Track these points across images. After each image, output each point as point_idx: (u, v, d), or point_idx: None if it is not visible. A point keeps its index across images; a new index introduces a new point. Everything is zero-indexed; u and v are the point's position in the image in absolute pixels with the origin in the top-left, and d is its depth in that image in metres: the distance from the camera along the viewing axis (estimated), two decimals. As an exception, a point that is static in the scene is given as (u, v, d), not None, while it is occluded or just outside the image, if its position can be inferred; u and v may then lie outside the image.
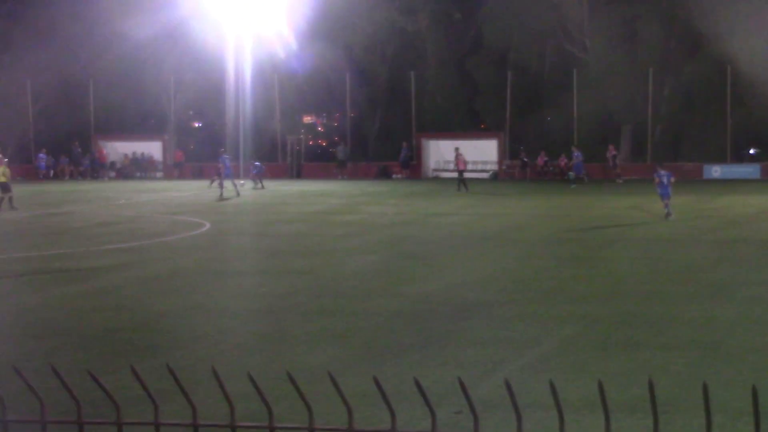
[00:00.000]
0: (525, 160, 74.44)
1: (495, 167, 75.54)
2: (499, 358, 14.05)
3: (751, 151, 77.16)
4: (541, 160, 74.14)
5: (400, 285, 21.61)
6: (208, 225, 36.76)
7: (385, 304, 18.98)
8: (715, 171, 69.62)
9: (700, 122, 74.35)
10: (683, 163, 69.40)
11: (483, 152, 74.63)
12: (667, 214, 37.31)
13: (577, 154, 64.71)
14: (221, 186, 54.64)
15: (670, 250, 27.80)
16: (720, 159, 71.70)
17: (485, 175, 73.82)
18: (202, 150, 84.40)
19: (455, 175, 62.04)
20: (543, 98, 79.44)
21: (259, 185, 63.02)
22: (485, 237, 32.19)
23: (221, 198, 52.53)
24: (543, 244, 29.80)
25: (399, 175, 75.72)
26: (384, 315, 17.85)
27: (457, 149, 61.82)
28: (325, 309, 18.58)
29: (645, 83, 73.49)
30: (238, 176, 62.40)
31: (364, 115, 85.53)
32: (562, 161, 72.01)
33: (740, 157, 74.53)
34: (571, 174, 64.79)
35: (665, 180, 37.95)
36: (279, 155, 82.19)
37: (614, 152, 70.76)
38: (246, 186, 60.51)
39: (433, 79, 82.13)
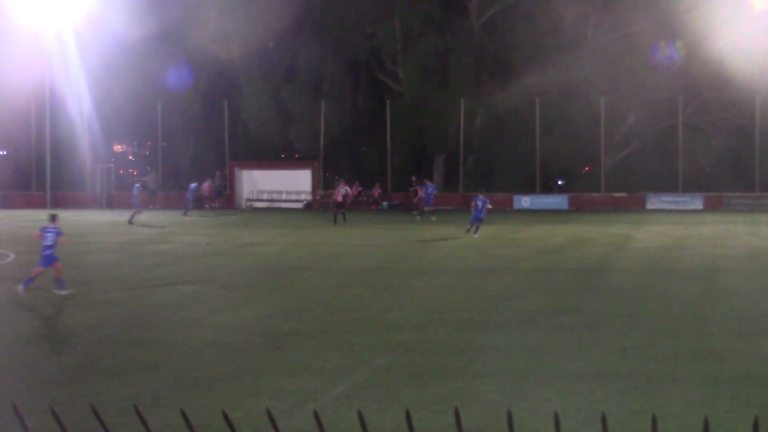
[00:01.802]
0: (339, 189, 73.85)
1: (309, 197, 74.47)
2: (312, 388, 13.84)
3: (560, 182, 78.19)
4: (355, 189, 72.98)
5: (213, 315, 21.14)
6: (13, 255, 35.22)
7: (198, 335, 18.55)
8: (525, 201, 70.11)
9: (510, 153, 75.04)
10: (494, 193, 68.03)
11: (297, 182, 73.85)
12: (471, 232, 40.42)
13: (430, 186, 58.68)
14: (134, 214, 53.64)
15: (483, 279, 27.87)
16: (529, 189, 72.47)
17: (299, 205, 73.01)
18: (6, 179, 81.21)
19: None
20: (357, 128, 79.09)
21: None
22: (300, 266, 31.71)
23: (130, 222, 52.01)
24: (357, 274, 29.51)
25: (211, 205, 74.31)
26: (196, 345, 17.44)
27: (338, 179, 60.70)
28: (135, 340, 18.05)
29: (457, 114, 73.57)
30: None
31: (177, 143, 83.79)
32: (376, 191, 71.97)
33: (549, 188, 75.56)
34: (416, 212, 58.86)
35: (479, 204, 40.26)
36: (88, 185, 79.86)
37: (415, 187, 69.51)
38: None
39: (246, 107, 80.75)
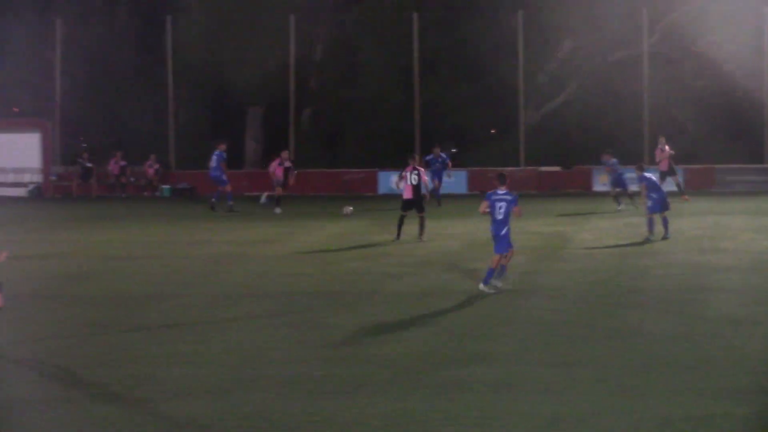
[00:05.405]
0: (88, 165, 58.79)
1: (38, 178, 59.75)
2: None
3: (453, 150, 62.68)
4: (115, 165, 57.50)
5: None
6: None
7: None
8: (395, 182, 56.48)
9: (371, 104, 61.87)
10: (348, 169, 58.68)
11: (17, 154, 58.88)
12: (657, 231, 32.77)
13: (613, 161, 44.36)
14: None
15: (326, 310, 20.97)
16: (402, 163, 51.27)
17: (23, 191, 58.41)
18: None
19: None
20: (117, 65, 62.61)
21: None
22: (27, 293, 22.93)
23: None
24: (122, 303, 22.31)
25: None
26: None
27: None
28: None
29: (283, 39, 57.53)
30: None
31: None
32: (150, 168, 57.81)
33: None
34: (613, 191, 45.15)
35: (655, 179, 33.11)
36: None
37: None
38: None
39: None
